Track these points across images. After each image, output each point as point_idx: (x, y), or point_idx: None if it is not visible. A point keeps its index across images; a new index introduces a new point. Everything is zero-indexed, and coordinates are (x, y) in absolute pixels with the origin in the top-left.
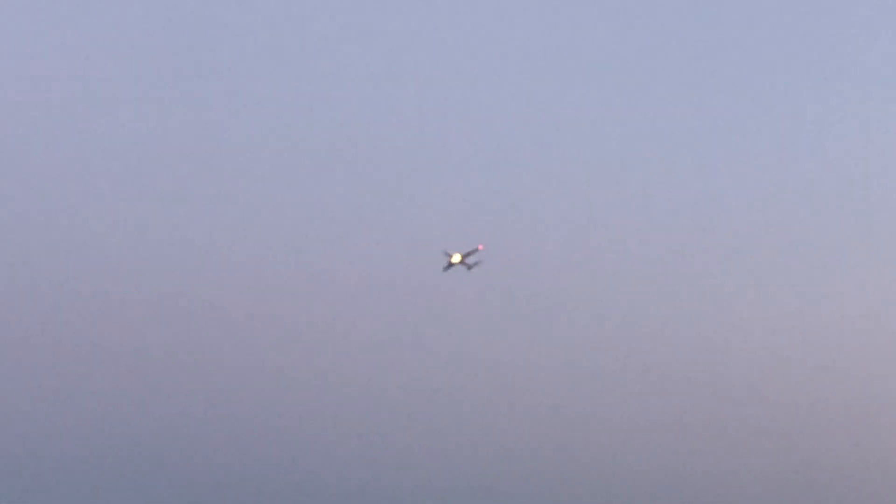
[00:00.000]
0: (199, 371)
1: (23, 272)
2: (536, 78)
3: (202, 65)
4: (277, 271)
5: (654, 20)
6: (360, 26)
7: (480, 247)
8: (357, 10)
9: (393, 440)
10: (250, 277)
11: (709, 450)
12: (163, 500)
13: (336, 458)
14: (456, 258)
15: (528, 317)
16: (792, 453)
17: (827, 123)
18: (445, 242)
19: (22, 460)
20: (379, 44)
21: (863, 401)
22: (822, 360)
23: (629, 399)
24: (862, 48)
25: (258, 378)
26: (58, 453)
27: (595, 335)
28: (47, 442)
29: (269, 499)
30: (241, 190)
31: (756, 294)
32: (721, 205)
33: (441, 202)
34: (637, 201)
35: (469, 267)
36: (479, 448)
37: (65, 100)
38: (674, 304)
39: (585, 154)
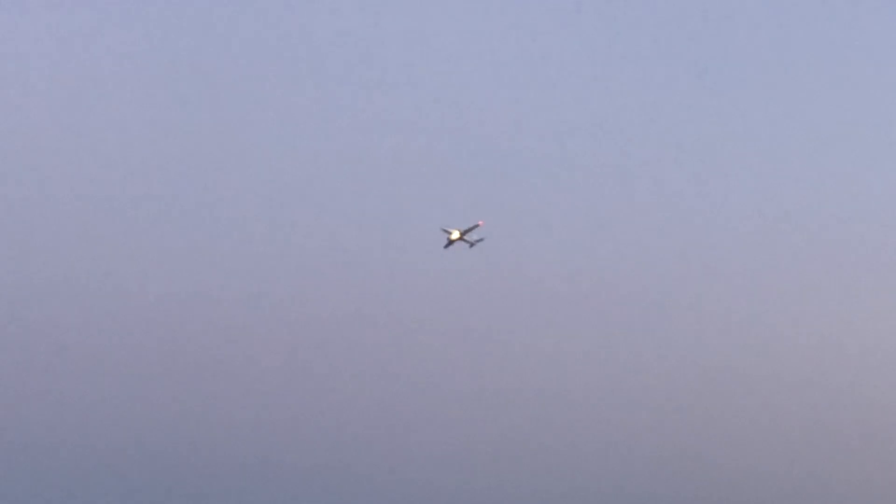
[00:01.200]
0: (200, 361)
1: (23, 273)
2: (537, 60)
3: (204, 66)
4: (275, 254)
5: (659, 21)
6: (362, 14)
7: (481, 223)
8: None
9: (394, 426)
10: (249, 262)
11: (709, 436)
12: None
13: (334, 449)
14: (455, 235)
15: (529, 297)
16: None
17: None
18: (445, 220)
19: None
20: (381, 31)
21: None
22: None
23: (630, 385)
24: (865, 50)
25: (254, 363)
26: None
27: (597, 319)
28: (47, 441)
29: (271, 496)
30: (240, 175)
31: (757, 284)
32: (722, 193)
33: (441, 180)
34: (642, 184)
35: (471, 244)
36: (479, 438)
37: (68, 101)
38: (675, 288)
39: (589, 139)
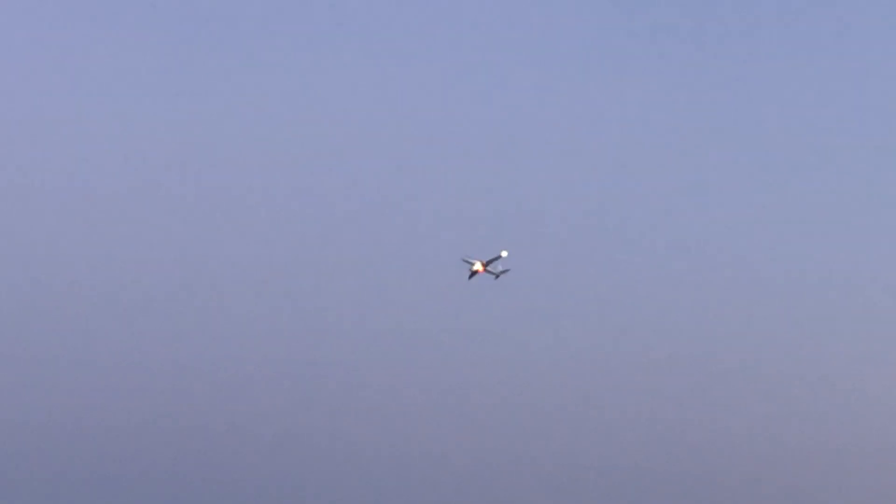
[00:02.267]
0: (223, 385)
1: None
2: (556, 80)
3: (209, 66)
4: (299, 286)
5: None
6: (373, 32)
7: (504, 253)
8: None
9: (414, 450)
10: (272, 291)
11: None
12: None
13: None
14: (477, 266)
15: (550, 324)
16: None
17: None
18: (467, 250)
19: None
20: (399, 52)
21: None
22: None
23: (652, 404)
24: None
25: (277, 392)
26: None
27: (626, 349)
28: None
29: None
30: (259, 210)
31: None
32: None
33: (461, 211)
34: (668, 211)
35: (496, 275)
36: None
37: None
38: (698, 307)
39: (607, 159)
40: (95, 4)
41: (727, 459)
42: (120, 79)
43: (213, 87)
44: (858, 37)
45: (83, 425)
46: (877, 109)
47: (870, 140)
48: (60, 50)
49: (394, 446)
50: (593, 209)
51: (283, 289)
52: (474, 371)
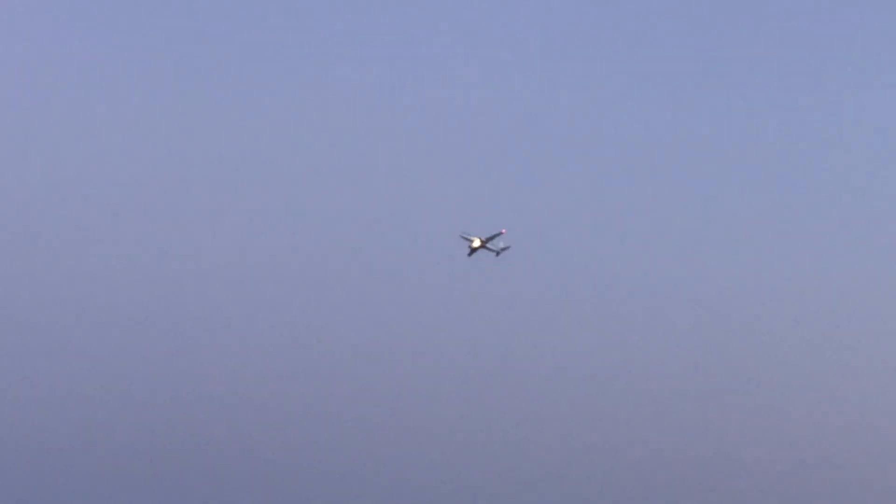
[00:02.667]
0: (222, 361)
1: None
2: (559, 63)
3: (204, 66)
4: (298, 270)
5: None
6: (374, 12)
7: (503, 231)
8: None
9: (409, 434)
10: (264, 270)
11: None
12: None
13: (347, 456)
14: (476, 243)
15: (556, 307)
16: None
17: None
18: (466, 227)
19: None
20: (398, 31)
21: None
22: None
23: (650, 392)
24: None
25: (269, 372)
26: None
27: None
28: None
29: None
30: (255, 182)
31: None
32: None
33: (461, 188)
34: (668, 188)
35: (497, 253)
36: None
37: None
38: (707, 296)
39: (615, 143)
40: (98, 5)
41: (727, 447)
42: (121, 80)
43: (213, 79)
44: (861, 39)
45: (83, 424)
46: (880, 112)
47: (873, 143)
48: (60, 51)
49: (393, 428)
50: (595, 189)
51: (282, 270)
52: (476, 349)
